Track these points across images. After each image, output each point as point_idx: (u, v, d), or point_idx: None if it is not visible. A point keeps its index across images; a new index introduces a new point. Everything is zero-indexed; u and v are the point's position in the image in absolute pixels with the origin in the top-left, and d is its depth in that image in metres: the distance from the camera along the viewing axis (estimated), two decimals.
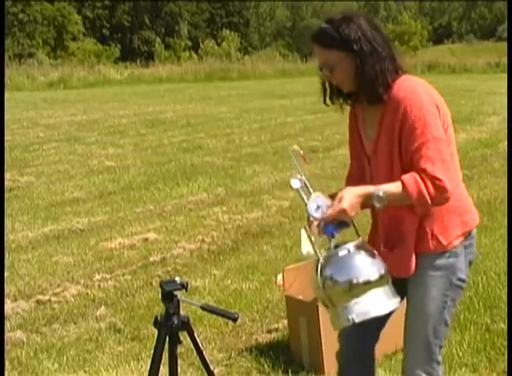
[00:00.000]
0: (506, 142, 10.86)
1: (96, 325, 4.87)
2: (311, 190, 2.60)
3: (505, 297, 4.93)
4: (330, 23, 2.56)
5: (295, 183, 2.59)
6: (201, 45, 54.44)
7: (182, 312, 2.81)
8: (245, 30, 70.40)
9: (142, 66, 38.44)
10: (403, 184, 2.48)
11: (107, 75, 33.69)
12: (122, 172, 10.60)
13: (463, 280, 2.75)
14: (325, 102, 2.77)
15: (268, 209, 7.90)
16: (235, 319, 2.78)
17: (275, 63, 39.87)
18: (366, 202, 2.52)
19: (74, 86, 30.58)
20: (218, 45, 55.20)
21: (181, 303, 2.79)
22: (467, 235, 2.72)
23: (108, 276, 5.89)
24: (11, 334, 4.71)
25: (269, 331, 4.59)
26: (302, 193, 2.59)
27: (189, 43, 63.26)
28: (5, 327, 4.86)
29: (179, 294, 2.76)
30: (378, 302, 2.49)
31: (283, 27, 77.49)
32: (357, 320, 2.46)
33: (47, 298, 5.39)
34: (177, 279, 2.77)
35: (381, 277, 2.50)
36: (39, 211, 8.32)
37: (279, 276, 4.47)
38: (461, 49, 56.44)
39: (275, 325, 4.63)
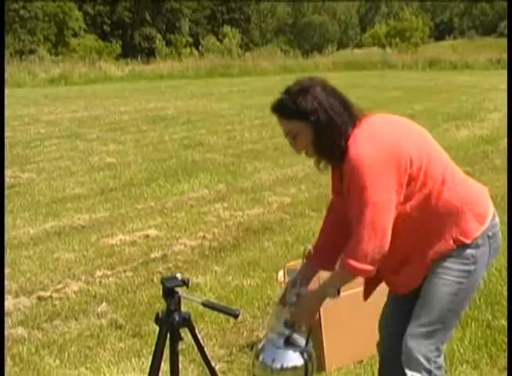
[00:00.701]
0: (506, 139, 10.84)
1: (97, 321, 4.88)
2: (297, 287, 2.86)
3: (506, 293, 4.93)
4: (288, 95, 2.70)
5: (291, 273, 2.97)
6: (202, 42, 54.36)
7: (183, 309, 2.81)
8: (246, 26, 70.46)
9: (143, 63, 38.37)
10: (341, 269, 2.71)
11: (108, 72, 33.63)
12: (123, 169, 10.60)
13: (481, 271, 2.76)
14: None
15: (269, 205, 7.90)
16: (236, 316, 2.78)
17: (277, 60, 39.77)
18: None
19: (75, 82, 30.54)
20: (219, 41, 55.15)
21: (182, 300, 2.79)
22: (487, 225, 2.72)
23: (109, 272, 5.90)
24: (12, 331, 4.72)
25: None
26: (290, 284, 2.90)
27: (190, 39, 63.31)
28: (7, 324, 4.87)
29: (180, 290, 2.77)
30: None
31: (284, 24, 77.57)
32: None
33: (48, 294, 5.40)
34: (178, 275, 2.78)
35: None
36: (40, 207, 8.32)
37: (281, 273, 4.47)
38: (463, 45, 56.28)
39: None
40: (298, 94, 2.65)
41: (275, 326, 2.86)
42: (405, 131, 2.73)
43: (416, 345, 2.75)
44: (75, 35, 59.81)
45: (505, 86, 16.50)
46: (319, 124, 2.62)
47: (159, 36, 60.05)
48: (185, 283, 2.77)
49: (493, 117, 15.69)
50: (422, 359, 2.74)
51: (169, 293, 2.76)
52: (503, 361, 4.02)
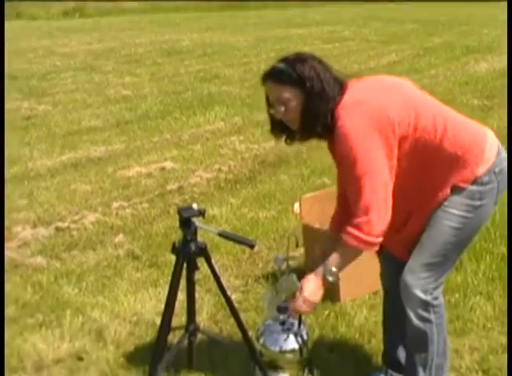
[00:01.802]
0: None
1: (115, 252, 4.93)
2: (287, 273, 2.94)
3: None
4: (285, 62, 2.69)
5: (279, 261, 2.98)
6: None
7: (199, 239, 2.83)
8: None
9: None
10: (345, 244, 2.62)
11: (123, 3, 33.26)
12: (139, 101, 10.57)
13: (488, 208, 2.72)
14: (271, 131, 2.85)
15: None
16: (252, 246, 2.81)
17: None
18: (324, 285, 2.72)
19: (90, 15, 30.26)
20: None
21: (198, 230, 2.81)
22: (491, 162, 2.67)
23: (126, 204, 5.94)
24: (32, 260, 4.79)
25: (285, 259, 4.61)
26: (280, 270, 2.98)
27: None
28: (26, 253, 4.94)
29: (197, 220, 2.78)
30: None
31: None
32: None
33: (66, 225, 5.46)
34: (194, 206, 2.79)
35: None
36: (57, 139, 8.34)
37: (296, 205, 4.49)
38: None
39: (292, 253, 4.66)
40: (296, 61, 2.67)
41: (269, 311, 2.95)
42: (389, 91, 2.70)
43: (414, 280, 2.75)
44: None
45: None
46: (312, 92, 2.62)
47: None
48: (201, 213, 2.78)
49: None
50: (418, 292, 2.75)
51: (185, 223, 2.78)
52: None
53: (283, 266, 3.00)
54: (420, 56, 15.28)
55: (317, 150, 7.30)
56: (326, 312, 3.87)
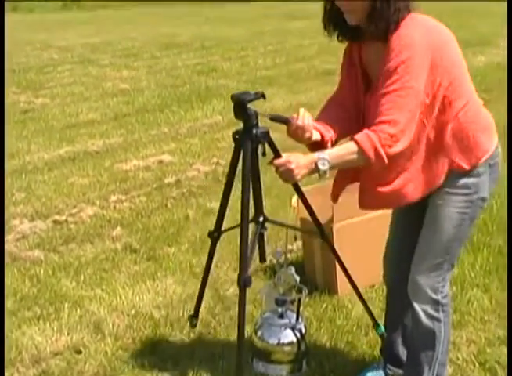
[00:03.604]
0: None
1: (112, 245, 4.94)
2: (285, 266, 2.98)
3: None
4: None
5: (277, 255, 3.00)
6: None
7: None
8: None
9: None
10: (357, 143, 2.45)
11: None
12: (136, 95, 10.56)
13: (484, 199, 2.70)
14: (323, 22, 2.65)
15: (284, 132, 7.82)
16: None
17: None
18: (312, 169, 2.51)
19: (87, 8, 30.19)
20: None
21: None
22: (491, 153, 2.64)
23: (123, 197, 5.94)
24: (29, 253, 4.80)
25: (283, 252, 4.62)
26: (278, 263, 3.00)
27: None
28: (24, 246, 4.95)
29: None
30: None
31: None
32: None
33: (63, 218, 5.46)
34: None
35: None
36: (54, 132, 8.34)
37: (294, 199, 4.48)
38: None
39: (290, 247, 4.67)
40: None
41: (267, 305, 2.97)
42: (451, 43, 2.57)
43: (424, 279, 2.74)
44: None
45: None
46: None
47: None
48: (262, 96, 2.73)
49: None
50: (429, 291, 2.75)
51: (244, 108, 2.71)
52: None
53: (281, 259, 3.00)
54: None
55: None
56: (324, 305, 3.88)
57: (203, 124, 8.53)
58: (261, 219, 3.02)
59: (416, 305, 2.80)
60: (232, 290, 4.09)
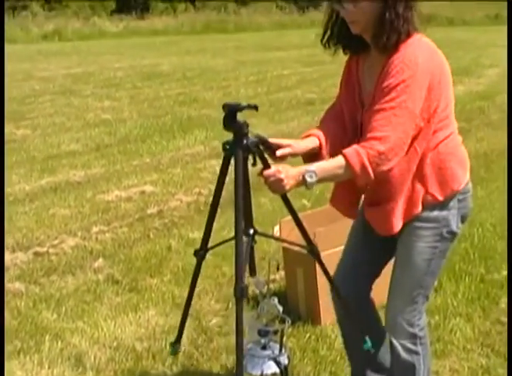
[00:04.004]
0: (504, 95, 10.81)
1: (94, 277, 4.90)
2: (268, 296, 2.96)
3: (500, 248, 4.97)
4: None
5: (260, 285, 2.98)
6: None
7: None
8: None
9: (138, 19, 37.94)
10: (345, 157, 2.44)
11: (103, 27, 33.31)
12: (118, 125, 10.56)
13: (453, 233, 2.70)
14: (322, 41, 2.66)
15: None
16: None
17: (272, 15, 39.38)
18: (300, 181, 2.50)
19: (69, 38, 30.27)
20: None
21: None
22: (461, 188, 2.64)
23: (105, 228, 5.91)
24: (10, 285, 4.75)
25: (266, 282, 4.61)
26: (261, 293, 2.98)
27: None
28: (5, 278, 4.90)
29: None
30: None
31: None
32: None
33: (45, 249, 5.42)
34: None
35: None
36: (36, 163, 8.31)
37: (276, 228, 4.49)
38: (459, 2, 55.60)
39: (272, 276, 4.65)
40: None
41: (250, 335, 2.93)
42: (448, 72, 2.58)
43: (400, 314, 2.75)
44: None
45: (502, 42, 16.39)
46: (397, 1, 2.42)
47: None
48: (254, 107, 2.77)
49: (490, 73, 15.64)
50: (406, 326, 2.75)
51: (232, 119, 2.78)
52: (496, 314, 4.07)
53: (264, 290, 2.99)
54: None
55: None
56: (307, 335, 3.87)
57: (186, 154, 8.54)
58: (251, 232, 2.99)
59: (394, 341, 2.82)
60: (215, 321, 4.08)
